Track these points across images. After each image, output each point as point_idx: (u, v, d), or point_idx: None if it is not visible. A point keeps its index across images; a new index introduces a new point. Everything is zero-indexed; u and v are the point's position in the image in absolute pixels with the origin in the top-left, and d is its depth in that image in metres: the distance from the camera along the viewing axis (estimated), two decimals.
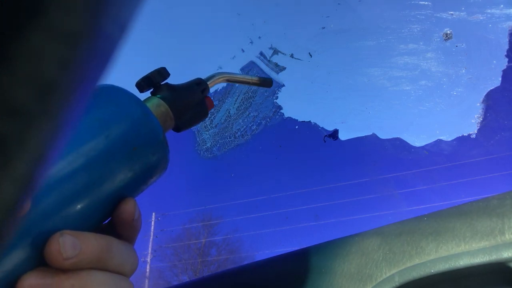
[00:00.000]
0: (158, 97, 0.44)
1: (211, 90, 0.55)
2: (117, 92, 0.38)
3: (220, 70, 0.58)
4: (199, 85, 0.50)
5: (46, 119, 0.12)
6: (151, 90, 0.46)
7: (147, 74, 0.46)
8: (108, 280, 0.30)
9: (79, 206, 0.31)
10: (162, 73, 0.46)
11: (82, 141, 0.32)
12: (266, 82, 0.64)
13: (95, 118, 0.34)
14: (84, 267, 0.29)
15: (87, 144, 0.32)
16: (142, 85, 0.46)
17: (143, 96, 0.44)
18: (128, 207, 0.34)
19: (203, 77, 0.54)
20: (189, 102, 0.47)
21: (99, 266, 0.30)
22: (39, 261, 0.28)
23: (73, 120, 0.14)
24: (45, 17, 0.11)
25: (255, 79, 0.63)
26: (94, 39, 0.12)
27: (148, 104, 0.42)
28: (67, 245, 0.27)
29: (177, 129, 0.48)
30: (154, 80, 0.45)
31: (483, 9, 1.92)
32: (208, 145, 2.71)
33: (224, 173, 2.87)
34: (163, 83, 0.46)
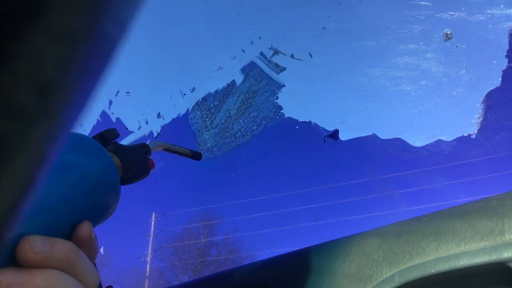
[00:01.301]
0: (109, 150, 0.50)
1: (152, 154, 0.63)
2: (84, 137, 0.44)
3: (159, 140, 0.67)
4: (143, 148, 0.59)
5: (46, 119, 0.12)
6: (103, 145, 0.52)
7: (102, 131, 0.53)
8: (74, 282, 0.32)
9: (46, 220, 0.34)
10: (115, 133, 0.54)
11: (57, 169, 0.38)
12: (196, 155, 0.75)
13: (68, 155, 0.40)
14: (54, 266, 0.31)
15: (60, 170, 0.38)
16: (96, 139, 0.52)
17: None
18: (84, 227, 0.38)
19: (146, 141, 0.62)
20: (135, 160, 0.55)
21: (67, 269, 0.32)
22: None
23: (73, 120, 0.14)
24: (45, 17, 0.11)
25: (187, 150, 0.74)
26: (94, 39, 0.12)
27: None
28: (38, 242, 0.30)
29: (123, 181, 0.54)
30: (107, 137, 0.53)
31: (483, 10, 1.92)
32: (209, 145, 2.71)
33: (225, 173, 2.88)
34: (113, 141, 0.54)
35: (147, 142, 0.62)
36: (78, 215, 0.38)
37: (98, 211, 0.42)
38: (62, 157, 0.39)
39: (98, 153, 0.43)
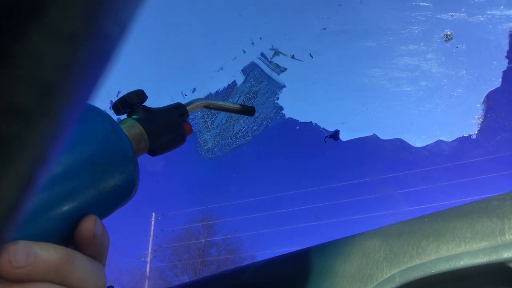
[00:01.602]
0: (133, 118, 0.43)
1: (190, 115, 0.53)
2: (88, 108, 0.36)
3: (201, 97, 0.56)
4: (177, 109, 0.49)
5: (46, 119, 0.12)
6: (127, 112, 0.45)
7: (124, 96, 0.44)
8: None
9: (39, 220, 0.30)
10: (140, 95, 0.45)
11: None
12: (248, 110, 0.62)
13: None
14: (40, 279, 0.27)
15: None
16: (118, 106, 0.45)
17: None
18: (87, 224, 0.32)
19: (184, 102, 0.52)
20: (165, 125, 0.46)
21: (58, 279, 0.28)
22: None
23: (73, 120, 0.14)
24: (45, 17, 0.11)
25: (237, 106, 0.60)
26: (94, 39, 0.12)
27: (122, 125, 0.41)
28: (19, 253, 0.26)
29: (152, 152, 0.46)
30: (130, 102, 0.44)
31: (484, 10, 1.92)
32: (210, 145, 2.71)
33: (225, 173, 2.88)
34: (140, 105, 0.45)
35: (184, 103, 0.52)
36: (78, 208, 0.32)
37: (106, 201, 0.35)
38: None
39: (100, 128, 0.35)
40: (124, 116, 0.45)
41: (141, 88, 0.46)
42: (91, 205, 0.34)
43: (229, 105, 0.60)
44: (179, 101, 0.51)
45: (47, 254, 0.27)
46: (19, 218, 0.14)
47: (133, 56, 2.57)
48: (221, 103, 0.58)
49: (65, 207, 0.31)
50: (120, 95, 0.45)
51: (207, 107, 0.56)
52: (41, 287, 0.26)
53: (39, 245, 0.27)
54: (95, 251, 0.32)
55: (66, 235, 0.32)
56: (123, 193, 0.37)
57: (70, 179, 0.32)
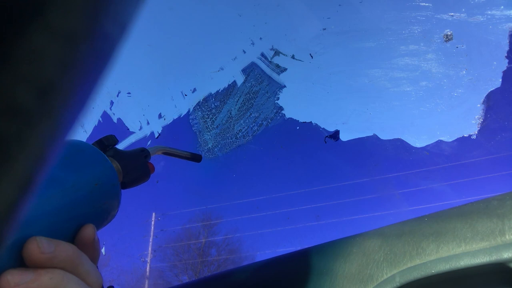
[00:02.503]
0: (109, 155, 0.52)
1: (152, 158, 0.64)
2: (83, 143, 0.46)
3: (161, 145, 0.69)
4: (143, 152, 0.60)
5: (46, 119, 0.12)
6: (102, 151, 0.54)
7: (100, 138, 0.55)
8: (79, 282, 0.34)
9: (50, 223, 0.36)
10: (113, 139, 0.56)
11: (57, 171, 0.39)
12: (196, 157, 0.77)
13: (68, 159, 0.42)
14: (58, 266, 0.32)
15: (60, 175, 0.39)
16: (95, 146, 0.53)
17: None
18: (87, 230, 0.39)
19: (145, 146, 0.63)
20: (134, 163, 0.56)
21: (71, 269, 0.34)
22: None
23: (73, 120, 0.14)
24: (45, 17, 0.11)
25: (186, 153, 0.75)
26: (94, 39, 0.12)
27: None
28: (44, 243, 0.32)
29: (124, 185, 0.55)
30: (105, 143, 0.54)
31: (484, 11, 1.92)
32: (210, 145, 2.71)
33: (225, 173, 2.88)
34: (112, 147, 0.55)
35: (147, 146, 0.64)
36: (80, 218, 0.40)
37: (100, 215, 0.44)
38: (62, 163, 0.40)
39: (96, 157, 0.45)
40: None
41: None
42: (88, 216, 0.41)
43: (181, 152, 0.74)
44: (145, 140, 0.64)
45: (63, 247, 0.33)
46: (19, 217, 0.14)
47: (133, 56, 2.57)
48: (174, 150, 0.72)
49: (71, 215, 0.38)
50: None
51: (165, 153, 0.70)
52: (60, 272, 0.32)
53: (56, 240, 0.33)
54: (91, 254, 0.39)
55: (70, 238, 0.39)
56: (111, 208, 0.46)
57: (75, 193, 0.39)
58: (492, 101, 1.96)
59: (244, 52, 2.54)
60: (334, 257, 0.56)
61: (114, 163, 0.51)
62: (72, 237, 0.39)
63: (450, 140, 2.10)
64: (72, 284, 0.33)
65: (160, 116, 2.75)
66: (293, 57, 2.40)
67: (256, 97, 2.54)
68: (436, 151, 2.15)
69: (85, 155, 0.44)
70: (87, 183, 0.41)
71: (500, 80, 1.94)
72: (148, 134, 2.76)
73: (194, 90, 2.68)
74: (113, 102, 2.75)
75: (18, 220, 0.14)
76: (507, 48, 1.92)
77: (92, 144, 0.54)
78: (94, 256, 0.40)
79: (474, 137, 2.02)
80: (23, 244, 0.31)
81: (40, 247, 0.31)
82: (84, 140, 0.47)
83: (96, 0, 0.12)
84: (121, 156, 0.54)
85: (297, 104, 2.43)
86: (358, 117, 2.29)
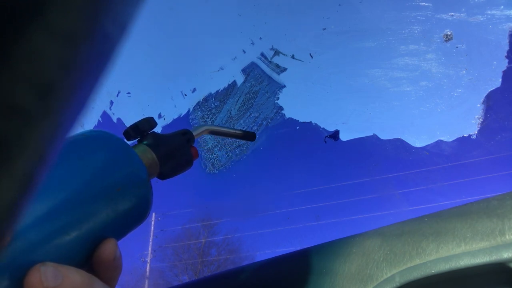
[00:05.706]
0: (144, 143, 0.46)
1: (197, 140, 0.56)
2: (106, 136, 0.39)
3: (207, 124, 0.60)
4: (185, 135, 0.53)
5: (46, 119, 0.12)
6: (138, 138, 0.48)
7: (136, 123, 0.47)
8: None
9: (60, 243, 0.30)
10: (150, 122, 0.48)
11: (68, 178, 0.33)
12: (249, 136, 0.66)
13: (83, 160, 0.34)
14: None
15: (73, 181, 0.33)
16: (129, 133, 0.47)
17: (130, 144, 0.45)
18: (108, 247, 0.33)
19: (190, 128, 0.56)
20: (174, 151, 0.49)
21: None
22: None
23: (73, 120, 0.14)
24: (45, 17, 0.11)
25: (238, 132, 0.64)
26: (94, 39, 0.12)
27: (136, 150, 0.43)
28: (49, 274, 0.27)
29: (162, 176, 0.49)
30: (141, 129, 0.47)
31: (484, 10, 1.92)
32: (210, 145, 2.71)
33: (225, 173, 2.87)
34: (150, 132, 0.48)
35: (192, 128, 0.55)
36: (98, 232, 0.33)
37: (123, 225, 0.37)
38: (74, 165, 0.34)
39: (119, 154, 0.37)
40: (135, 142, 0.48)
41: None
42: (109, 228, 0.35)
43: (232, 130, 0.63)
44: (186, 127, 0.55)
45: (72, 277, 0.28)
46: (19, 218, 0.14)
47: (133, 56, 2.57)
48: (224, 129, 0.62)
49: (86, 231, 0.32)
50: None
51: (212, 132, 0.60)
52: None
53: (65, 268, 0.29)
54: (110, 274, 0.34)
55: (84, 257, 0.33)
56: (138, 215, 0.39)
57: (91, 203, 0.33)
58: (492, 101, 1.96)
59: (244, 52, 2.54)
60: (334, 257, 0.56)
61: (147, 154, 0.44)
62: (88, 256, 0.33)
63: (450, 140, 2.10)
64: None
65: (160, 116, 2.76)
66: (293, 57, 2.40)
67: (256, 97, 2.54)
68: (436, 151, 2.15)
69: (104, 152, 0.36)
70: (106, 190, 0.34)
71: (500, 80, 1.94)
72: None
73: (194, 90, 2.68)
74: (113, 102, 2.75)
75: (18, 222, 0.14)
76: (507, 48, 1.92)
77: (126, 130, 0.47)
78: (113, 275, 0.34)
79: (474, 137, 2.02)
80: (26, 274, 0.27)
81: (43, 280, 0.26)
82: None
83: (96, 0, 0.12)
84: (159, 142, 0.46)
85: (297, 104, 2.43)
86: (358, 117, 2.29)
